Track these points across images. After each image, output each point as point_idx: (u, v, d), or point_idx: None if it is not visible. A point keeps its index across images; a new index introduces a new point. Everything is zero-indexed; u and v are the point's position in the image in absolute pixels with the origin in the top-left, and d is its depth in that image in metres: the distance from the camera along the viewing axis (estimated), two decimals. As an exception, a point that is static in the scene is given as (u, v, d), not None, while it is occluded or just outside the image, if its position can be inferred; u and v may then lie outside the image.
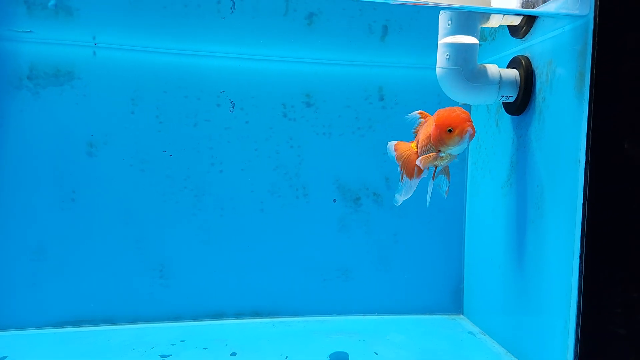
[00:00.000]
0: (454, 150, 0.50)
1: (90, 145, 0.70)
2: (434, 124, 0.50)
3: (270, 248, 0.76)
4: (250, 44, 0.73)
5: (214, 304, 0.74)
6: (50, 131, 0.69)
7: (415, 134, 0.58)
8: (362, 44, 0.75)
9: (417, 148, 0.56)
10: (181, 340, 0.66)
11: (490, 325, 0.71)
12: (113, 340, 0.65)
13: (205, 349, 0.63)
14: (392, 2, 0.47)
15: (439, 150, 0.51)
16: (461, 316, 0.78)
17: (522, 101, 0.59)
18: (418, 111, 0.57)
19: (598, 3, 0.45)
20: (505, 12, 0.56)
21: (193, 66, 0.72)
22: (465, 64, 0.57)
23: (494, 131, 0.70)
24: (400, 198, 0.57)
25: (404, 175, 0.57)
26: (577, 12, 0.47)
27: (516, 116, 0.63)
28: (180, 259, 0.73)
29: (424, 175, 0.56)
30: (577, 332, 0.50)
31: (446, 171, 0.55)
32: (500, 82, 0.59)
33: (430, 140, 0.51)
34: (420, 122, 0.57)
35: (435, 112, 0.51)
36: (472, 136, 0.48)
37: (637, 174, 0.48)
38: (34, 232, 0.69)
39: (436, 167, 0.55)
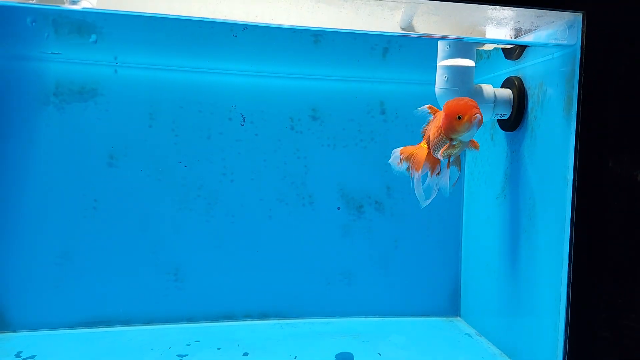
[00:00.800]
0: (464, 136, 0.51)
1: (111, 157, 0.73)
2: (444, 113, 0.51)
3: (278, 253, 0.78)
4: (260, 62, 0.76)
5: (224, 306, 0.77)
6: (74, 144, 0.72)
7: (424, 134, 0.59)
8: (365, 61, 0.78)
9: (429, 142, 0.57)
10: (196, 341, 0.69)
11: (485, 327, 0.73)
12: (133, 340, 0.68)
13: (218, 349, 0.66)
14: (394, 34, 0.50)
15: (451, 139, 0.52)
16: (458, 318, 0.81)
17: (515, 119, 0.62)
18: (427, 105, 0.57)
19: (584, 34, 0.48)
20: (498, 42, 0.58)
21: (207, 83, 0.75)
22: (463, 85, 0.60)
23: (489, 144, 0.73)
24: (425, 201, 0.58)
25: (415, 173, 0.58)
26: (565, 42, 0.50)
27: (510, 132, 0.65)
28: (194, 263, 0.76)
29: (436, 172, 0.57)
30: (565, 334, 0.53)
31: (457, 161, 0.56)
32: (495, 101, 0.61)
33: (441, 130, 0.53)
34: (428, 121, 0.58)
35: (445, 104, 0.53)
36: (480, 122, 0.49)
37: (620, 191, 0.51)
38: (59, 238, 0.72)
39: (449, 157, 0.55)
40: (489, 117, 0.63)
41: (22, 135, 0.71)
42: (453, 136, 0.52)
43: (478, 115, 0.49)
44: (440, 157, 0.55)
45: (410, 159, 0.59)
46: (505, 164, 0.67)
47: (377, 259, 0.81)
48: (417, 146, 0.59)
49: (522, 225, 0.62)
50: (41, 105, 0.71)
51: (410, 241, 0.81)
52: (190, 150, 0.75)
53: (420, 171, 0.58)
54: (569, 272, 0.52)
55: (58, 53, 0.69)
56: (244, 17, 0.51)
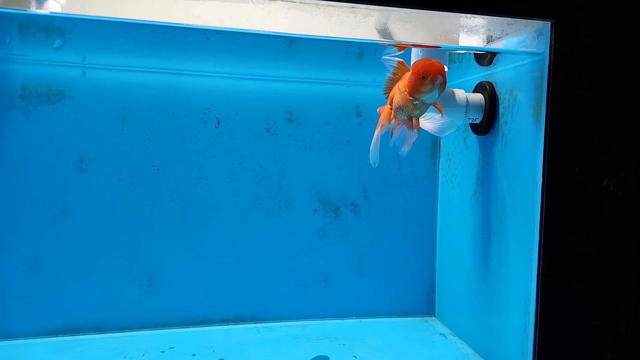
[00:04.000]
0: (427, 97, 0.50)
1: (81, 161, 0.70)
2: (412, 71, 0.50)
3: (254, 256, 0.77)
4: (235, 64, 0.74)
5: (199, 311, 0.75)
6: (42, 148, 0.69)
7: (385, 92, 0.57)
8: (340, 64, 0.77)
9: (391, 102, 0.55)
10: (170, 347, 0.67)
11: (459, 327, 0.74)
12: (104, 348, 0.66)
13: (193, 355, 0.64)
14: (367, 41, 0.49)
15: (414, 98, 0.51)
16: (433, 318, 0.82)
17: (487, 123, 0.62)
18: (399, 60, 0.55)
19: (553, 42, 0.48)
20: (469, 49, 0.58)
21: (180, 84, 0.73)
22: (435, 90, 0.59)
23: (462, 147, 0.73)
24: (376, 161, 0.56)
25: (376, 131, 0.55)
26: (534, 49, 0.50)
27: (482, 136, 0.66)
28: (167, 267, 0.74)
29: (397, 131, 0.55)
30: (535, 334, 0.53)
31: (417, 123, 0.54)
32: (467, 105, 0.61)
33: (406, 88, 0.51)
34: (388, 77, 0.56)
35: (413, 63, 0.51)
36: (443, 84, 0.48)
37: (587, 195, 0.52)
38: (26, 244, 0.69)
39: (411, 117, 0.54)
40: (462, 121, 0.62)
41: (-15, 138, 0.67)
42: (416, 95, 0.50)
43: (440, 77, 0.48)
44: (401, 117, 0.54)
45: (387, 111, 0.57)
46: (478, 167, 0.67)
47: (353, 260, 0.80)
48: (386, 106, 0.57)
49: (493, 228, 0.63)
50: (6, 109, 0.67)
51: (386, 242, 0.81)
52: (164, 154, 0.73)
53: (379, 129, 0.57)
54: (538, 274, 0.53)
55: (23, 55, 0.66)
56: (217, 23, 0.49)
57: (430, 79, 0.48)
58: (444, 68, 0.49)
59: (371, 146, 0.57)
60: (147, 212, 0.73)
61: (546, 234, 0.52)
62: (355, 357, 0.65)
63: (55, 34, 0.66)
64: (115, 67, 0.70)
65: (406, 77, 0.52)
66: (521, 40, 0.52)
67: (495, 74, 0.62)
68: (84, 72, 0.70)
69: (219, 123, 0.75)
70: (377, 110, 0.60)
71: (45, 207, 0.69)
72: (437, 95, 0.50)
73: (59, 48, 0.62)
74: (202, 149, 0.74)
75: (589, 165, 0.51)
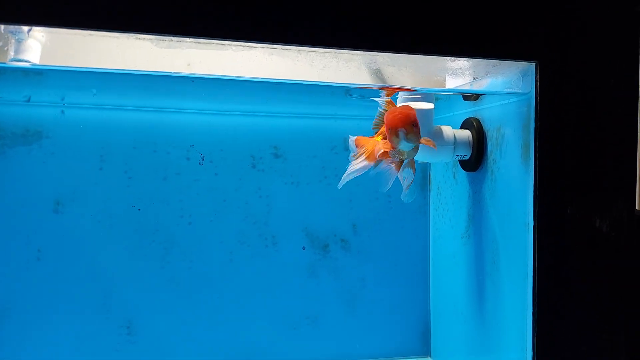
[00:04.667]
0: (402, 146, 0.49)
1: (57, 203, 0.67)
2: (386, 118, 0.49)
3: (240, 298, 0.74)
4: (218, 100, 0.73)
5: (182, 358, 0.71)
6: (16, 190, 0.66)
7: (374, 128, 0.56)
8: (326, 99, 0.76)
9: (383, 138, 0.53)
10: (149, 402, 0.63)
11: (454, 369, 0.71)
12: (78, 405, 0.62)
13: (173, 411, 0.60)
14: (350, 85, 0.48)
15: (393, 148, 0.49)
16: (429, 359, 0.78)
17: (475, 160, 0.61)
18: (386, 100, 0.53)
19: (538, 83, 0.47)
20: (454, 91, 0.58)
21: (162, 122, 0.71)
22: (422, 128, 0.58)
23: (452, 182, 0.71)
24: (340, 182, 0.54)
25: (365, 162, 0.53)
26: (519, 90, 0.50)
27: (471, 172, 0.64)
28: (148, 313, 0.70)
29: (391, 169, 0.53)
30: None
31: (411, 164, 0.53)
32: (455, 142, 0.60)
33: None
34: (379, 112, 0.54)
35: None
36: (412, 134, 0.47)
37: (580, 237, 0.50)
38: (-4, 293, 0.65)
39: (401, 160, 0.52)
40: (450, 158, 0.61)
41: (-43, 182, 0.64)
42: (394, 145, 0.49)
43: (403, 130, 0.47)
44: (394, 158, 0.52)
45: (365, 150, 0.55)
46: (468, 203, 0.66)
47: (344, 299, 0.77)
48: (372, 139, 0.55)
49: (486, 269, 0.61)
50: (-21, 150, 0.65)
51: (378, 280, 0.78)
52: (145, 193, 0.71)
53: (366, 163, 0.54)
54: (533, 316, 0.51)
55: (-2, 96, 0.64)
56: (200, 70, 0.48)
57: (394, 132, 0.47)
58: (410, 118, 0.47)
59: (348, 173, 0.54)
60: (126, 255, 0.70)
61: (540, 276, 0.50)
62: (347, 407, 0.61)
63: (33, 74, 0.64)
64: (95, 106, 0.69)
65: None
66: (506, 81, 0.52)
67: (482, 110, 0.61)
68: (63, 112, 0.68)
69: (202, 160, 0.73)
70: (353, 139, 0.56)
71: (19, 251, 0.66)
72: (411, 145, 0.49)
73: (28, 100, 0.60)
74: (185, 187, 0.72)
75: (581, 206, 0.50)
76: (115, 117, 0.69)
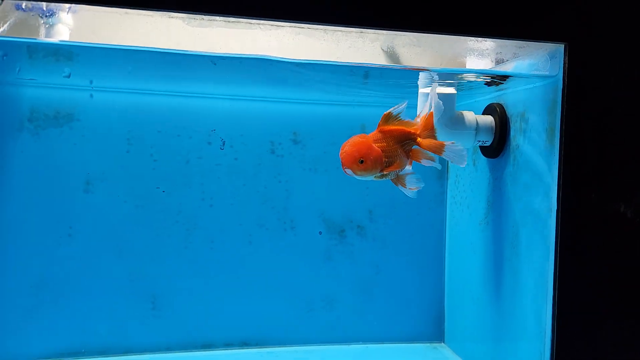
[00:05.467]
0: (359, 178, 0.47)
1: (87, 183, 0.68)
2: None
3: (259, 279, 0.74)
4: (240, 86, 0.72)
5: (203, 335, 0.72)
6: (49, 170, 0.67)
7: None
8: (346, 85, 0.75)
9: None
10: (172, 374, 0.64)
11: (470, 354, 0.69)
12: (105, 375, 0.63)
13: (195, 384, 0.61)
14: (375, 65, 0.46)
15: None
16: (442, 344, 0.77)
17: (497, 146, 0.59)
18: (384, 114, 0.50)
19: (566, 65, 0.45)
20: (480, 72, 0.56)
21: (185, 106, 0.71)
22: (444, 113, 0.56)
23: (471, 170, 0.69)
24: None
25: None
26: (547, 72, 0.47)
27: (492, 159, 0.62)
28: (172, 290, 0.71)
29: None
30: (551, 362, 0.50)
31: (395, 178, 0.51)
32: (477, 128, 0.58)
33: None
34: None
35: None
36: (361, 173, 0.45)
37: (604, 224, 0.48)
38: (33, 266, 0.67)
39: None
40: (471, 144, 0.59)
41: (-6, 161, 0.66)
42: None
43: (348, 170, 0.45)
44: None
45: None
46: (488, 190, 0.64)
47: (359, 284, 0.77)
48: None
49: (505, 254, 0.59)
50: (16, 132, 0.66)
51: (392, 266, 0.77)
52: (169, 175, 0.71)
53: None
54: (553, 302, 0.49)
55: (32, 79, 0.64)
56: (224, 49, 0.47)
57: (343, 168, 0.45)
58: (354, 156, 0.45)
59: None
60: (151, 234, 0.70)
61: (561, 261, 0.48)
62: (362, 387, 0.61)
63: (64, 58, 0.65)
64: (122, 90, 0.69)
65: None
66: (533, 63, 0.50)
67: (506, 95, 0.59)
68: (92, 96, 0.68)
69: (223, 145, 0.73)
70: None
71: (52, 228, 0.67)
72: (370, 176, 0.47)
73: (68, 76, 0.61)
74: (207, 171, 0.72)
75: (606, 192, 0.48)
76: (141, 101, 0.70)
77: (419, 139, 0.49)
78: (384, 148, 0.47)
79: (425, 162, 0.50)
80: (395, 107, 0.49)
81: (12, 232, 0.66)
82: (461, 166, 0.50)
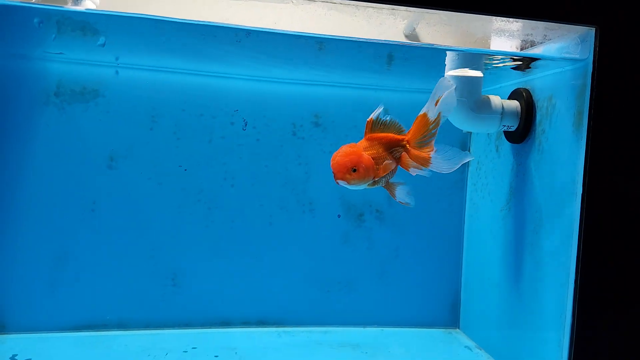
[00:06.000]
0: (352, 188, 0.48)
1: (111, 159, 0.71)
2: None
3: (277, 260, 0.76)
4: (263, 67, 0.73)
5: (221, 312, 0.75)
6: (74, 145, 0.69)
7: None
8: (369, 68, 0.75)
9: None
10: (192, 347, 0.66)
11: (486, 340, 0.71)
12: (130, 345, 0.66)
13: (216, 356, 0.64)
14: (404, 43, 0.47)
15: None
16: (457, 330, 0.79)
17: (522, 131, 0.60)
18: (368, 121, 0.51)
19: (597, 49, 0.46)
20: (507, 54, 0.56)
21: (209, 86, 0.73)
22: (470, 96, 0.57)
23: (493, 156, 0.70)
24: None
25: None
26: (577, 56, 0.48)
27: (516, 144, 0.63)
28: (192, 268, 0.73)
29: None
30: (570, 351, 0.51)
31: (390, 189, 0.52)
32: (503, 112, 0.59)
33: None
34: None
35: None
36: (355, 182, 0.45)
37: (631, 210, 0.49)
38: (56, 239, 0.69)
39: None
40: (496, 128, 0.60)
41: (22, 135, 0.68)
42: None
43: (340, 181, 0.46)
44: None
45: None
46: (511, 176, 0.65)
47: (376, 268, 0.78)
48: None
49: (526, 240, 0.60)
50: (42, 106, 0.68)
51: (410, 251, 0.79)
52: (191, 154, 0.73)
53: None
54: (575, 288, 0.50)
55: (60, 53, 0.66)
56: (256, 23, 0.48)
57: (335, 179, 0.46)
58: (346, 165, 0.45)
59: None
60: (173, 211, 0.73)
61: (585, 247, 0.49)
62: (379, 366, 0.63)
63: (90, 33, 0.67)
64: (147, 68, 0.71)
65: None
66: (563, 46, 0.50)
67: (533, 80, 0.59)
68: (117, 72, 0.70)
69: (246, 125, 0.75)
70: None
71: (76, 203, 0.70)
72: (362, 185, 0.47)
73: (103, 45, 0.63)
74: (229, 151, 0.74)
75: (633, 176, 0.49)
76: (166, 79, 0.71)
77: (408, 147, 0.49)
78: (373, 155, 0.48)
79: (412, 172, 0.50)
80: (373, 112, 0.49)
81: (37, 206, 0.69)
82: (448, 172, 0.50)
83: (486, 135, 0.73)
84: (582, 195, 0.48)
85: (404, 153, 0.50)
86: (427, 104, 0.49)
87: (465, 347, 0.72)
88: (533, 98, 0.59)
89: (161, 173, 0.72)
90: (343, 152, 0.47)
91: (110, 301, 0.71)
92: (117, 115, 0.70)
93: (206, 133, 0.73)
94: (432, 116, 0.48)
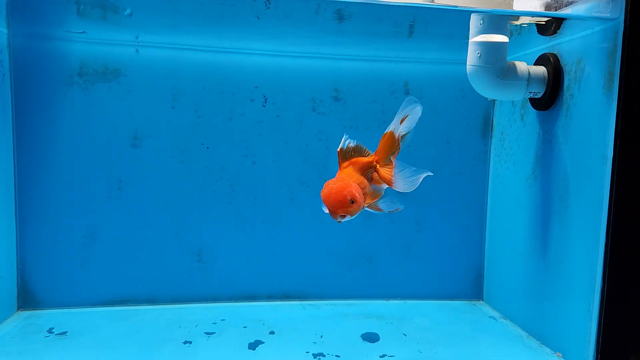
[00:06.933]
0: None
1: (135, 138, 0.73)
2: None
3: (300, 235, 0.78)
4: (282, 42, 0.74)
5: (247, 287, 0.77)
6: (98, 124, 0.72)
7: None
8: (389, 40, 0.76)
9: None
10: (222, 319, 0.69)
11: (510, 311, 0.72)
12: (160, 318, 0.69)
13: (245, 327, 0.67)
14: (426, 5, 0.48)
15: None
16: (481, 302, 0.81)
17: (549, 97, 0.60)
18: (339, 152, 0.52)
19: (629, 7, 0.45)
20: (535, 14, 0.56)
21: (229, 63, 0.74)
22: (496, 62, 0.58)
23: (518, 125, 0.71)
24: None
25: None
26: (607, 15, 0.48)
27: (542, 111, 0.63)
28: (217, 244, 0.76)
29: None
30: (599, 318, 0.52)
31: (375, 207, 0.53)
32: (529, 79, 0.59)
33: None
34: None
35: (328, 181, 0.49)
36: (354, 213, 0.46)
37: (663, 170, 0.49)
38: (85, 217, 0.73)
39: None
40: (522, 95, 0.61)
41: (48, 115, 0.71)
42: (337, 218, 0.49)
43: (338, 217, 0.46)
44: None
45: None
46: (537, 144, 0.65)
47: (399, 242, 0.80)
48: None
49: (553, 207, 0.61)
50: (66, 86, 0.71)
51: (433, 224, 0.80)
52: (213, 132, 0.75)
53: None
54: (605, 253, 0.51)
55: (83, 32, 0.68)
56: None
57: (334, 215, 0.46)
58: (347, 199, 0.46)
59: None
60: (196, 189, 0.75)
61: (616, 210, 0.50)
62: (405, 335, 0.65)
63: (110, 12, 0.68)
64: (167, 46, 0.72)
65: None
66: (592, 6, 0.50)
67: (561, 44, 0.59)
68: (137, 51, 0.72)
69: (266, 102, 0.76)
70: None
71: (103, 182, 0.73)
72: (358, 213, 0.47)
73: (130, 15, 0.64)
74: (249, 128, 0.76)
75: (666, 139, 0.49)
76: (185, 57, 0.73)
77: (377, 167, 0.51)
78: (357, 182, 0.49)
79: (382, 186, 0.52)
80: (341, 143, 0.51)
81: (66, 186, 0.72)
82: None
83: (510, 105, 0.73)
84: (613, 158, 0.49)
85: (374, 173, 0.52)
86: (392, 122, 0.51)
87: (490, 317, 0.74)
88: (561, 63, 0.59)
89: (184, 151, 0.74)
90: (335, 189, 0.47)
91: (139, 277, 0.74)
92: (139, 94, 0.72)
93: (226, 110, 0.75)
94: (397, 135, 0.51)
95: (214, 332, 0.65)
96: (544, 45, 0.63)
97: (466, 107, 0.80)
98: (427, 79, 0.79)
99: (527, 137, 0.68)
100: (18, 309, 0.71)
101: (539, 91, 0.60)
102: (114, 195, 0.73)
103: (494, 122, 0.79)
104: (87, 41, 0.70)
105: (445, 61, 0.78)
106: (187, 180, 0.75)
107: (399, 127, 0.50)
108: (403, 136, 0.51)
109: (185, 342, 0.61)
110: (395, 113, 0.77)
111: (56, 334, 0.63)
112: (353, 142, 0.52)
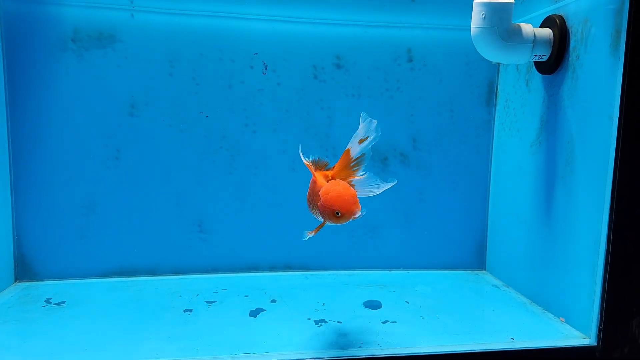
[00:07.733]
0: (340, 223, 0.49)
1: (132, 106, 0.73)
2: (322, 200, 0.49)
3: (301, 205, 0.79)
4: (282, 5, 0.74)
5: (249, 257, 0.79)
6: (94, 92, 0.72)
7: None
8: (392, 4, 0.76)
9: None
10: (223, 289, 0.71)
11: (513, 279, 0.74)
12: (160, 288, 0.71)
13: (246, 296, 0.68)
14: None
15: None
16: (484, 271, 0.82)
17: (555, 60, 0.61)
18: (307, 162, 0.54)
19: (639, -41, 0.46)
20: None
21: (227, 28, 0.74)
22: (500, 23, 0.58)
23: (523, 91, 0.71)
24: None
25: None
26: (617, -32, 0.48)
27: (548, 75, 0.64)
28: (217, 214, 0.77)
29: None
30: (604, 281, 0.53)
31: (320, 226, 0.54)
32: (534, 41, 0.60)
33: (317, 208, 0.50)
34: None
35: (323, 188, 0.49)
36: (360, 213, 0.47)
37: (668, 129, 0.50)
38: (83, 188, 0.73)
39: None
40: (527, 58, 0.61)
41: (42, 83, 0.71)
42: (328, 222, 0.51)
43: (357, 212, 0.47)
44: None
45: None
46: (542, 109, 0.66)
47: (401, 212, 0.81)
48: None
49: (558, 172, 0.62)
50: (60, 52, 0.70)
51: (435, 194, 0.81)
52: (212, 100, 0.75)
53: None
54: (610, 215, 0.52)
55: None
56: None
57: (346, 216, 0.47)
58: (355, 198, 0.47)
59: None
60: (196, 158, 0.76)
61: (622, 171, 0.51)
62: (408, 302, 0.67)
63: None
64: (163, 10, 0.72)
65: (318, 188, 0.50)
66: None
67: (567, 6, 0.60)
68: (132, 15, 0.72)
69: (266, 69, 0.76)
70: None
71: (100, 151, 0.73)
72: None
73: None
74: (249, 96, 0.76)
75: (672, 99, 0.50)
76: (182, 22, 0.73)
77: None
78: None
79: None
80: (301, 155, 0.53)
81: (63, 155, 0.72)
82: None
83: (515, 71, 0.74)
84: (620, 116, 0.50)
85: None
86: (351, 140, 0.54)
87: (493, 285, 0.76)
88: (567, 24, 0.59)
89: (182, 120, 0.75)
90: (342, 192, 0.49)
91: (138, 248, 0.75)
92: (135, 61, 0.72)
93: (226, 78, 0.75)
94: (354, 154, 0.53)
95: (215, 301, 0.66)
96: (550, 7, 0.63)
97: (470, 75, 0.80)
98: (431, 46, 0.79)
99: (532, 102, 0.68)
100: (15, 281, 0.72)
101: (544, 54, 0.61)
102: (112, 165, 0.74)
103: (498, 89, 0.79)
104: (81, 5, 0.70)
105: (449, 27, 0.78)
106: (187, 149, 0.75)
107: (356, 147, 0.53)
108: (358, 157, 0.53)
109: (186, 310, 0.62)
110: (397, 80, 0.76)
111: (54, 304, 0.64)
112: (311, 158, 0.54)
